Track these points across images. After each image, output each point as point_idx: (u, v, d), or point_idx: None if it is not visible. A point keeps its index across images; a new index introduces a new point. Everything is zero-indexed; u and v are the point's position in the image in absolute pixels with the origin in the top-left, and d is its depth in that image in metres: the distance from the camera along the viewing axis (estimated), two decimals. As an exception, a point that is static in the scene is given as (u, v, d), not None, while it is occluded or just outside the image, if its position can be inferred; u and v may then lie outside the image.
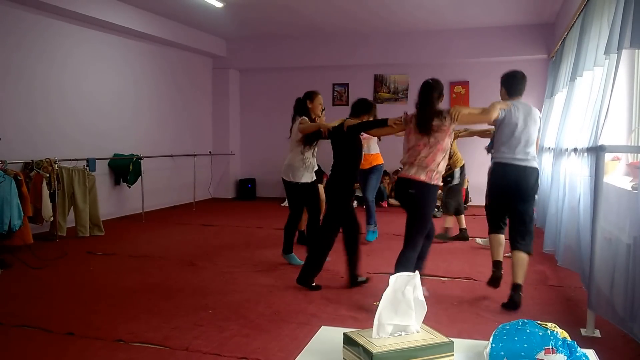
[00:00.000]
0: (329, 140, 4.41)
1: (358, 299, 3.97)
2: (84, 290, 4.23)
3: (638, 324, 2.70)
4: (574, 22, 5.65)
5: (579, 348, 1.20)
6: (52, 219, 5.97)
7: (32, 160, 5.98)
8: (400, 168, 3.89)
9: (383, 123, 4.05)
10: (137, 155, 7.76)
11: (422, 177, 3.64)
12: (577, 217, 4.01)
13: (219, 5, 7.51)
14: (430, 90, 3.71)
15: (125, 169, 7.72)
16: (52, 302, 3.89)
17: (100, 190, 6.97)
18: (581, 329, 3.28)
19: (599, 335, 3.21)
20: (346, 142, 4.21)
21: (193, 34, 9.23)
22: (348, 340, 1.28)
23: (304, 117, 4.87)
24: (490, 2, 7.47)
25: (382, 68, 9.89)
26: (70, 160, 6.52)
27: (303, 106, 4.96)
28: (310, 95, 4.99)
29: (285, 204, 9.47)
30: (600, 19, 4.14)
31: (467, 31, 8.90)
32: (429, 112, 3.67)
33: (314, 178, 5.02)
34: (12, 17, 6.25)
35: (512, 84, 3.94)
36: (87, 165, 6.65)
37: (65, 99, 7.00)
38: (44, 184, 5.81)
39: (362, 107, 4.36)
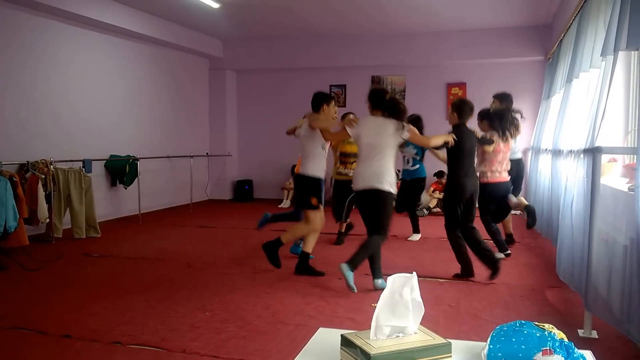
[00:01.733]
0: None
1: (356, 300, 3.97)
2: (80, 292, 4.21)
3: (635, 326, 2.70)
4: (571, 23, 5.66)
5: (576, 349, 1.20)
6: (47, 220, 5.95)
7: (27, 162, 5.96)
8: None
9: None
10: (134, 156, 7.74)
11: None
12: (570, 219, 4.00)
13: (216, 6, 7.50)
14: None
15: (121, 170, 7.70)
16: (48, 304, 3.87)
17: (97, 191, 6.95)
18: (578, 330, 3.28)
19: (596, 337, 3.22)
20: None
21: (189, 34, 9.22)
22: (346, 342, 1.28)
23: (410, 125, 4.16)
24: (487, 4, 7.49)
25: (379, 69, 9.90)
26: (66, 161, 6.50)
27: (395, 106, 4.12)
28: (385, 93, 4.24)
29: (284, 205, 9.47)
30: (597, 21, 4.15)
31: (464, 33, 8.92)
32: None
33: None
34: (12, 18, 6.23)
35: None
36: (83, 167, 6.62)
37: (60, 99, 6.97)
38: (40, 186, 5.79)
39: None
